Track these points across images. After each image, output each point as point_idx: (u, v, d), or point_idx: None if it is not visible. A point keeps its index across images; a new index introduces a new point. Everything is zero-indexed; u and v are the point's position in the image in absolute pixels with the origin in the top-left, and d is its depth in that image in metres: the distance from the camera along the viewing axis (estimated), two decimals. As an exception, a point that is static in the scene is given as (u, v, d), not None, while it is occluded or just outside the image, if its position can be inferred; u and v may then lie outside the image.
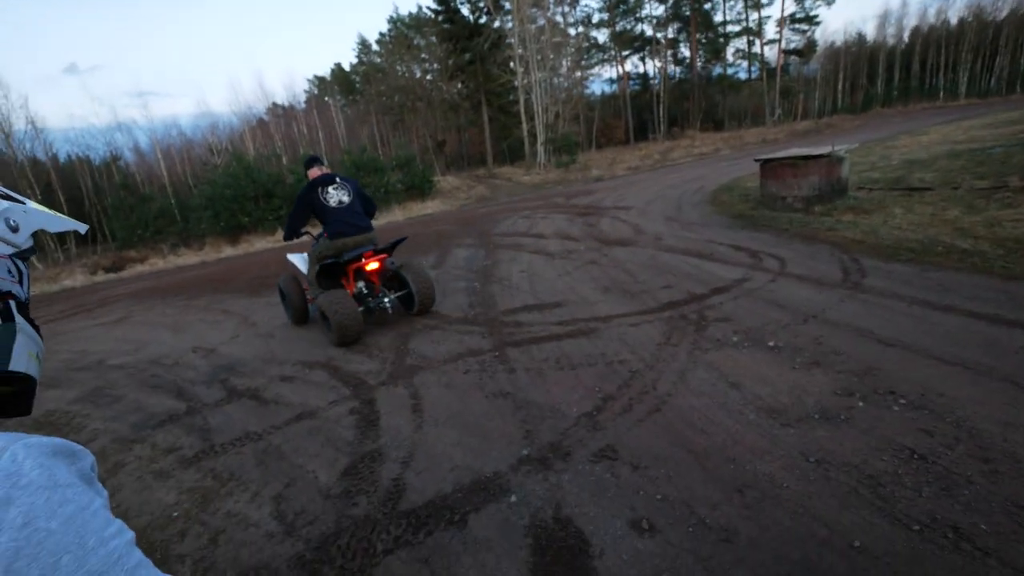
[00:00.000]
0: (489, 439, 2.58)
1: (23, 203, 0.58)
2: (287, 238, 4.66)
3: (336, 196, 4.34)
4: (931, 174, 8.10)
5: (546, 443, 2.47)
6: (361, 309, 4.44)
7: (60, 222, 0.60)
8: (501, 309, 4.64)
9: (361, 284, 4.64)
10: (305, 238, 4.90)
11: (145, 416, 3.59)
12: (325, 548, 2.02)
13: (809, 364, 2.86)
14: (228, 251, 15.42)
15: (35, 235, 0.58)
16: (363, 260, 4.35)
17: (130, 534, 0.47)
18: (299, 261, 5.09)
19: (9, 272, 0.53)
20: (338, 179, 4.44)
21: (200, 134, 32.26)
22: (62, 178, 27.11)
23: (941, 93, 40.75)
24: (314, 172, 4.46)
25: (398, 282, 4.78)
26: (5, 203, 0.54)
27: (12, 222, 0.53)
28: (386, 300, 4.54)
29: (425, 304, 4.68)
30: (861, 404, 2.41)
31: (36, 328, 0.59)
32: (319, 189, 4.32)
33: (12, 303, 0.53)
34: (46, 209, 0.60)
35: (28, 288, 0.57)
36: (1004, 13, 40.83)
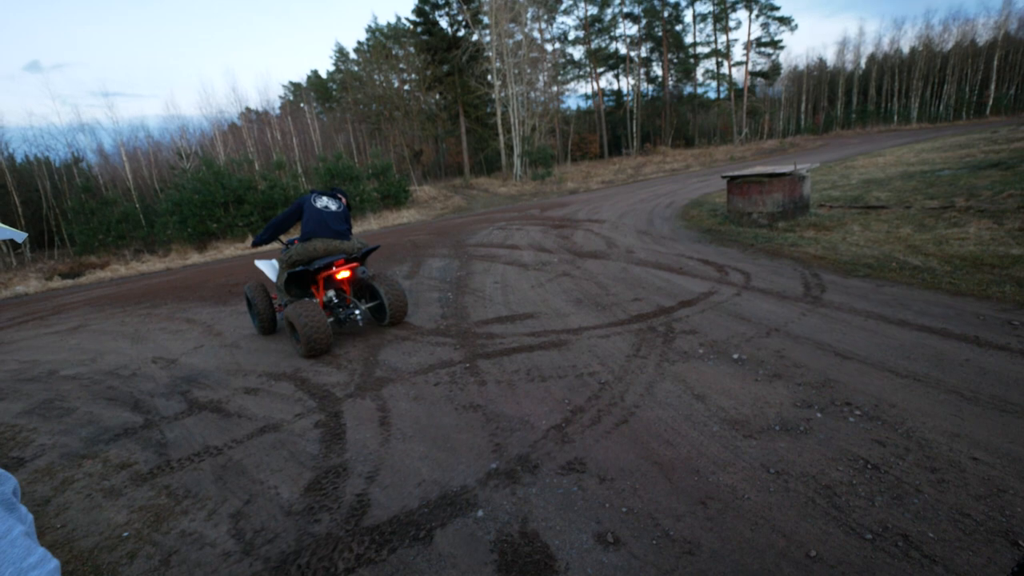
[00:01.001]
0: (457, 453, 2.56)
1: None
2: (258, 241, 4.58)
3: (324, 201, 4.43)
4: (886, 193, 8.51)
5: (515, 456, 2.46)
6: (331, 320, 4.35)
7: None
8: (474, 320, 4.63)
9: (331, 293, 4.55)
10: (275, 244, 4.81)
11: (98, 430, 3.43)
12: (284, 567, 1.96)
13: (771, 376, 2.94)
14: (195, 258, 14.94)
15: None
16: (334, 268, 4.27)
17: (53, 563, 0.45)
18: (267, 268, 4.97)
19: None
20: (338, 195, 4.58)
21: (168, 137, 31.30)
22: (18, 179, 25.90)
23: (895, 117, 42.98)
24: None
25: (370, 292, 4.70)
26: None
27: None
28: (357, 311, 4.45)
29: (397, 315, 4.61)
30: (819, 416, 2.49)
31: None
32: (313, 195, 4.44)
33: None
34: None
35: None
36: (950, 44, 43.52)
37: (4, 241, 22.55)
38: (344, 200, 4.62)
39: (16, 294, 12.75)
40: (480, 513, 2.10)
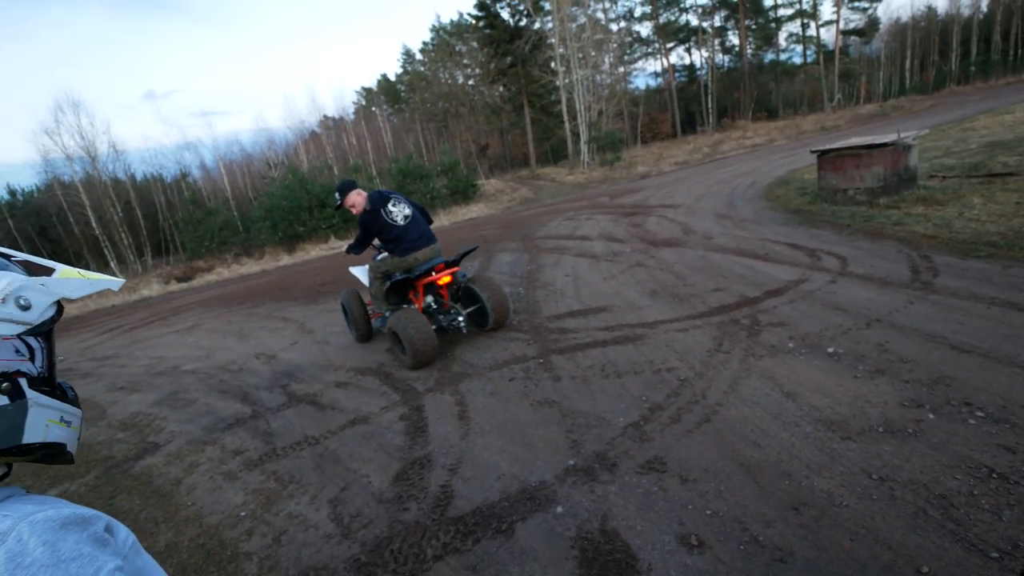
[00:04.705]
0: (534, 448, 2.61)
1: (52, 271, 0.61)
2: (351, 251, 4.40)
3: (400, 212, 4.12)
4: (1016, 158, 7.40)
5: (592, 453, 2.46)
6: (433, 327, 4.12)
7: (88, 286, 0.63)
8: (546, 315, 4.65)
9: (430, 299, 4.36)
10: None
11: (215, 419, 3.86)
12: (379, 552, 2.11)
13: (873, 372, 2.69)
14: (286, 259, 16.25)
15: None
16: (434, 274, 4.09)
17: None
18: (362, 274, 4.83)
19: (17, 351, 0.57)
20: (392, 195, 4.19)
21: (259, 149, 34.29)
22: (139, 196, 29.53)
23: (1029, 65, 37.04)
24: (355, 197, 4.12)
25: (468, 296, 4.46)
26: (20, 281, 0.57)
27: (23, 301, 0.56)
28: (460, 318, 4.19)
29: (500, 319, 4.35)
30: (932, 417, 2.26)
31: (63, 393, 0.63)
32: (381, 210, 4.07)
33: (24, 380, 0.57)
34: (76, 275, 0.63)
35: (47, 358, 0.61)
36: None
37: (131, 250, 25.86)
38: (395, 195, 4.23)
39: (142, 297, 14.60)
40: (559, 509, 2.13)
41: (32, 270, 0.60)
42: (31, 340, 0.58)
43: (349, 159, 29.15)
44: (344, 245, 16.69)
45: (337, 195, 4.20)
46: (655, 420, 2.63)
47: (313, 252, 16.36)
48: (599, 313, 4.42)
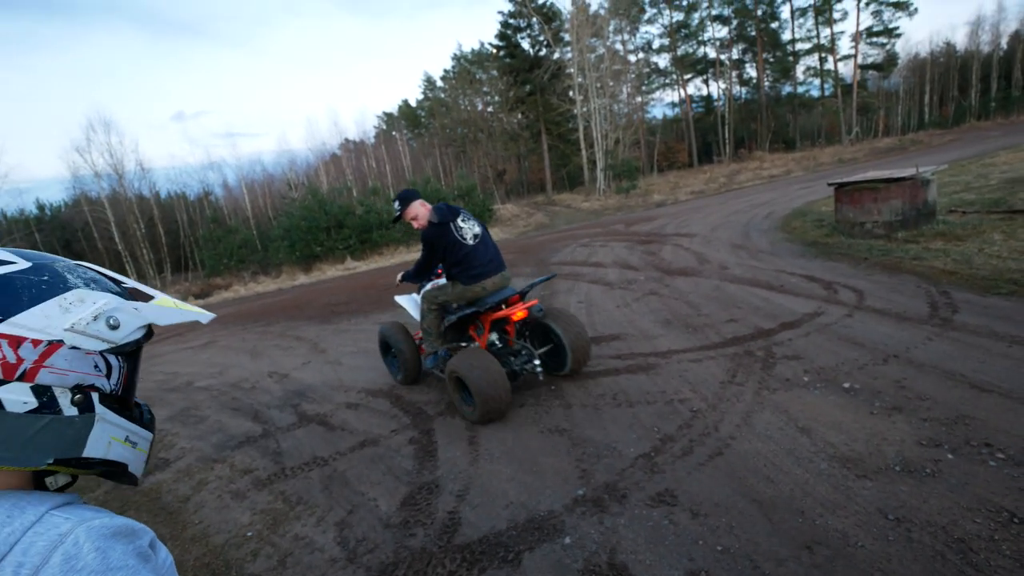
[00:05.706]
0: (543, 477, 2.59)
1: (151, 299, 0.65)
2: (406, 278, 3.80)
3: (470, 230, 3.42)
4: (1037, 194, 7.30)
5: (601, 483, 2.43)
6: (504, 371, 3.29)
7: (179, 315, 0.65)
8: (557, 341, 4.64)
9: (494, 336, 3.68)
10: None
11: (226, 437, 3.90)
12: (383, 577, 2.09)
13: (889, 409, 2.64)
14: (302, 279, 16.51)
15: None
16: (505, 307, 3.46)
17: None
18: (410, 305, 4.13)
19: (96, 367, 0.58)
20: (460, 210, 3.51)
21: (280, 170, 35.30)
22: (162, 213, 30.39)
23: (1051, 102, 36.73)
24: (419, 208, 3.44)
25: (537, 333, 3.76)
26: (115, 302, 0.60)
27: (112, 321, 0.59)
28: (535, 361, 3.46)
29: (579, 362, 3.61)
30: (950, 457, 2.20)
31: (140, 415, 0.65)
32: (451, 224, 3.37)
33: (95, 395, 0.58)
34: (170, 304, 0.65)
35: (125, 378, 0.63)
36: (1125, 11, 36.50)
37: (151, 264, 26.52)
38: (464, 211, 3.55)
39: (164, 312, 14.88)
40: (567, 540, 2.10)
41: (134, 295, 0.63)
42: (111, 358, 0.60)
43: (368, 181, 29.83)
44: (362, 265, 17.01)
45: (397, 204, 3.48)
46: (666, 452, 2.60)
47: (329, 272, 16.61)
48: (612, 341, 4.40)
